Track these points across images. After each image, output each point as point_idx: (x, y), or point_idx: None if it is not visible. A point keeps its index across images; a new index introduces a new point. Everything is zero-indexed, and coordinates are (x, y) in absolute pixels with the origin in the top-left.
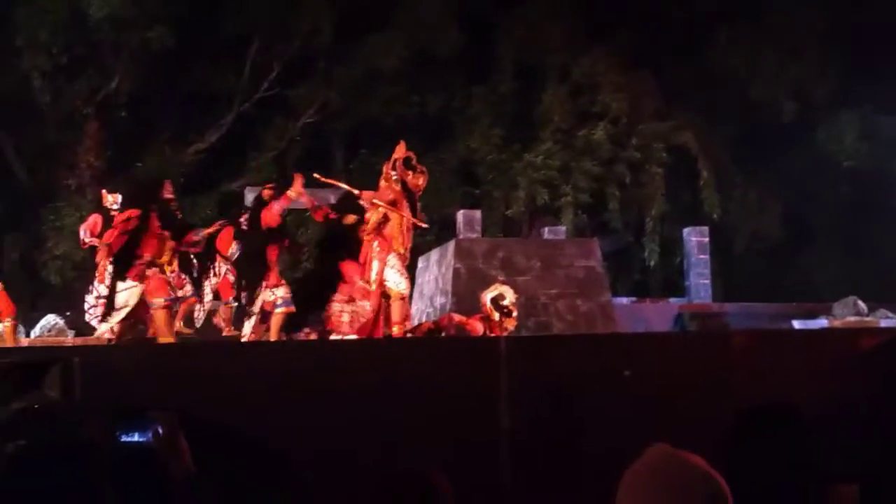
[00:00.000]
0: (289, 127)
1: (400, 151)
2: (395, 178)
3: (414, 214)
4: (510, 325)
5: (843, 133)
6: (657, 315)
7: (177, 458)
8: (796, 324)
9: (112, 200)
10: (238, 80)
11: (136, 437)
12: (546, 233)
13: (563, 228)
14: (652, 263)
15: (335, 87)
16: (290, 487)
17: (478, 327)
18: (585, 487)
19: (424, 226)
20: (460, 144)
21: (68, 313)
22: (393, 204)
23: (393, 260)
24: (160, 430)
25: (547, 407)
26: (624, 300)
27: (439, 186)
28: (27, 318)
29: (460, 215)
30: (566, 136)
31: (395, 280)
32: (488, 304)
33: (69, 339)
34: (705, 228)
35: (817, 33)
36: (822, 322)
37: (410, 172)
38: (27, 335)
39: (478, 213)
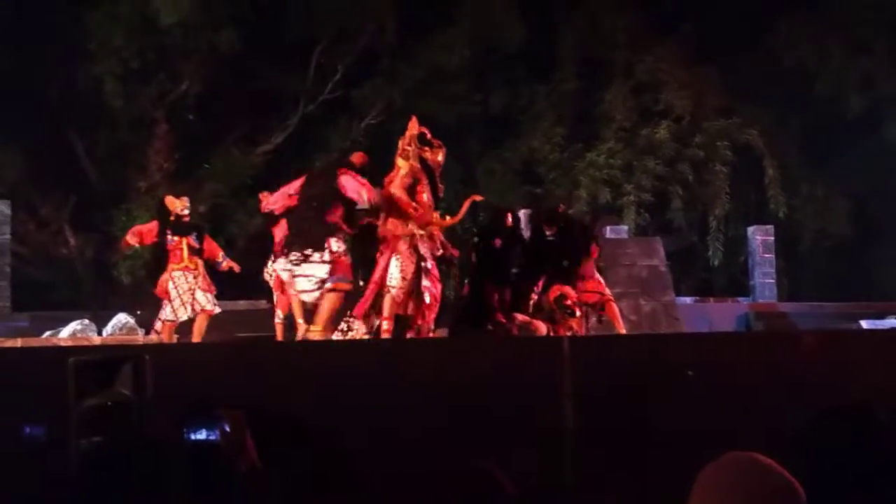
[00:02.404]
0: (353, 127)
1: (413, 128)
2: (412, 153)
3: (435, 192)
4: (574, 324)
5: None
6: (721, 315)
7: (243, 455)
8: (864, 324)
9: (181, 206)
10: (303, 81)
11: (203, 435)
12: (608, 232)
13: (625, 228)
14: (716, 263)
15: (398, 86)
16: (355, 484)
17: (541, 327)
18: (649, 488)
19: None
20: (523, 143)
21: (139, 312)
22: (413, 185)
23: (402, 246)
24: (227, 428)
25: (611, 407)
26: (688, 300)
27: (501, 185)
28: (99, 317)
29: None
30: (629, 135)
31: (392, 271)
32: (551, 305)
33: (140, 336)
34: (770, 227)
35: (885, 25)
36: (891, 322)
37: (427, 149)
38: (99, 333)
39: None
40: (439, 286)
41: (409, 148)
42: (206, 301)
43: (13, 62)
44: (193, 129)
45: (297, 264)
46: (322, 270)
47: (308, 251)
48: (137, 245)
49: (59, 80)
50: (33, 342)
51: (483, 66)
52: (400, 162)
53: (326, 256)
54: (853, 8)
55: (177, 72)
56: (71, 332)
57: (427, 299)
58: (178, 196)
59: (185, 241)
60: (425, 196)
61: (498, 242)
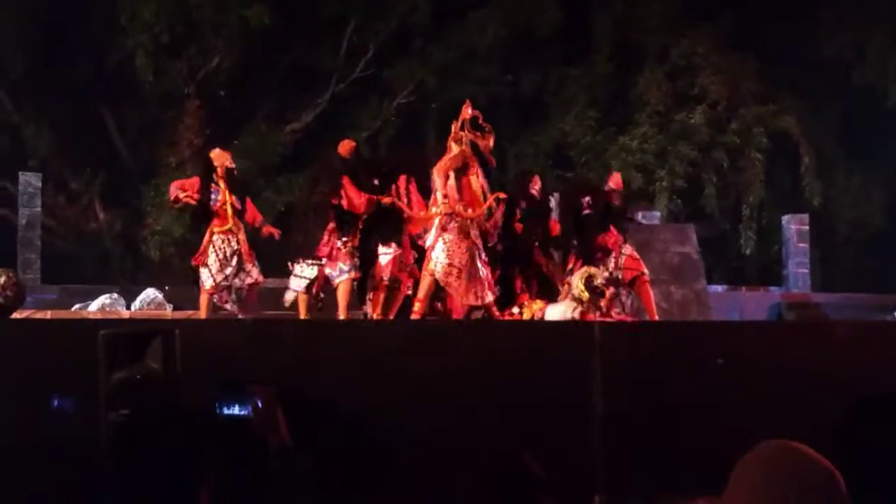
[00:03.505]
0: (384, 107)
1: (466, 112)
2: (465, 139)
3: (487, 174)
4: (604, 303)
5: None
6: (753, 304)
7: (274, 431)
8: None
9: (227, 159)
10: (334, 59)
11: (235, 410)
12: (640, 218)
13: (657, 213)
14: (748, 251)
15: (430, 67)
16: (384, 464)
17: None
18: (678, 474)
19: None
20: (554, 126)
21: (167, 287)
22: (463, 169)
23: (451, 230)
24: (259, 404)
25: (640, 393)
26: (719, 288)
27: (532, 168)
28: (127, 292)
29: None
30: (663, 120)
31: (437, 255)
32: (580, 286)
33: (168, 312)
34: (805, 216)
35: None
36: None
37: (479, 133)
38: (127, 308)
39: None
40: (490, 277)
41: (462, 133)
42: (257, 272)
43: (46, 37)
44: (224, 106)
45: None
46: (312, 272)
47: (304, 256)
48: (185, 200)
49: (91, 54)
50: (62, 315)
51: (515, 48)
52: (453, 146)
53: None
54: None
55: (208, 47)
56: (100, 305)
57: (478, 287)
58: (223, 149)
59: (230, 199)
60: (473, 181)
61: (520, 227)
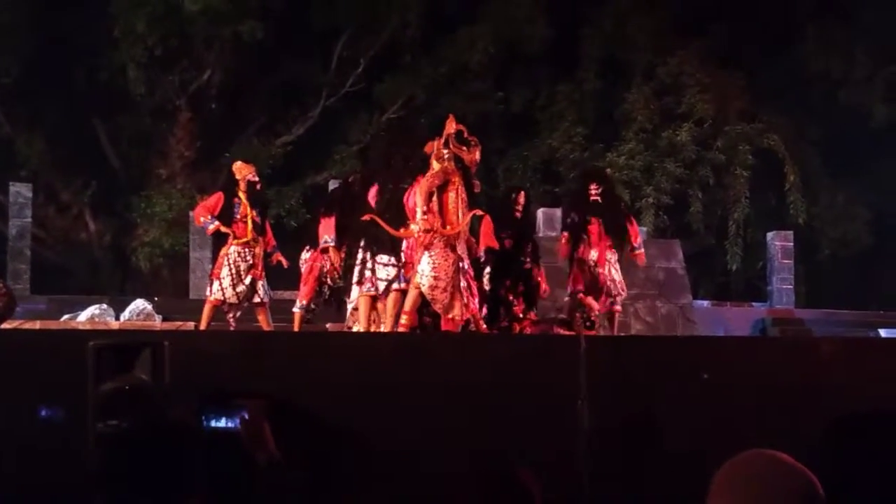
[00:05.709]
0: (374, 121)
1: (450, 126)
2: (447, 155)
3: (469, 190)
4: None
5: None
6: (738, 319)
7: (262, 445)
8: (883, 332)
9: (249, 172)
10: (325, 74)
11: (223, 423)
12: None
13: (643, 229)
14: (734, 267)
15: (420, 82)
16: (374, 479)
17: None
18: (663, 489)
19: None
20: (543, 142)
21: (156, 298)
22: (443, 186)
23: (437, 245)
24: (246, 417)
25: (625, 407)
26: (704, 303)
27: (521, 184)
28: (116, 303)
29: (540, 213)
30: (650, 137)
31: (423, 269)
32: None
33: (157, 323)
34: (790, 233)
35: None
36: None
37: (465, 147)
38: (116, 318)
39: (558, 212)
40: (476, 290)
41: (444, 150)
42: (264, 292)
43: (39, 48)
44: (215, 119)
45: (370, 265)
46: (389, 272)
47: (380, 255)
48: (216, 224)
49: (84, 66)
50: (51, 325)
51: (505, 64)
52: (434, 164)
53: (394, 259)
54: (881, 16)
55: (200, 60)
56: (89, 316)
57: (465, 300)
58: (246, 162)
59: (251, 213)
60: (452, 196)
61: (509, 243)
